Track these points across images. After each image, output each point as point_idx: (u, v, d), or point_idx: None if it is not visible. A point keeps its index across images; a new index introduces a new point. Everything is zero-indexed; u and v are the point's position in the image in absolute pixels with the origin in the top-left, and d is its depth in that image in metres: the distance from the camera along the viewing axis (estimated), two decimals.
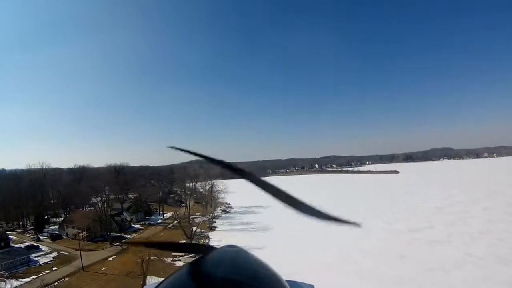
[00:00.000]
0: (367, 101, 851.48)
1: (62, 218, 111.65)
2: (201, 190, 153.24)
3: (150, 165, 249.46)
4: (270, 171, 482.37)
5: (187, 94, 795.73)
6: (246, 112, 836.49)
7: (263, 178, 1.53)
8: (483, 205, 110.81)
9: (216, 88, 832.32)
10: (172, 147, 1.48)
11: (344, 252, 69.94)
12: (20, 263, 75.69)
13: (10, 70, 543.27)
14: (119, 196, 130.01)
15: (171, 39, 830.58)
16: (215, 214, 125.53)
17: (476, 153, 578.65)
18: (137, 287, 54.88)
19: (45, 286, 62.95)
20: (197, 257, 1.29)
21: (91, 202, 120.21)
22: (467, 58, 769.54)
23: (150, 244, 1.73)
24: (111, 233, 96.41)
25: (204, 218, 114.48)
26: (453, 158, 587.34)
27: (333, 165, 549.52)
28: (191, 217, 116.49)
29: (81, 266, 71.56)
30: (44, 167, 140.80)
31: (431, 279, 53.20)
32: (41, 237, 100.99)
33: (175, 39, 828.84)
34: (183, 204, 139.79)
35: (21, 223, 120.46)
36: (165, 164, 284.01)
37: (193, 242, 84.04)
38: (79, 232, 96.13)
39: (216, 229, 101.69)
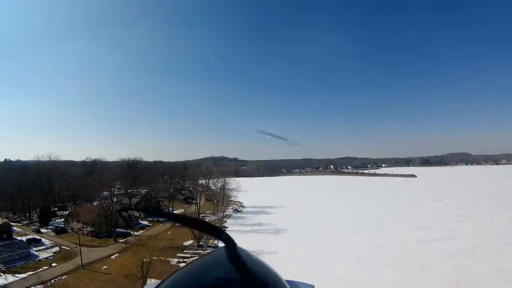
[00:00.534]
0: (385, 103, 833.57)
1: (68, 212, 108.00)
2: (212, 187, 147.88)
3: (164, 161, 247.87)
4: (285, 171, 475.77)
5: (201, 90, 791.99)
6: (259, 110, 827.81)
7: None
8: (508, 214, 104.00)
9: (230, 85, 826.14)
10: (261, 131, 1.57)
11: (362, 262, 63.53)
12: (19, 257, 71.99)
13: (28, 64, 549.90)
14: (128, 191, 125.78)
15: (185, 35, 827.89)
16: (226, 213, 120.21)
17: (494, 160, 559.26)
18: None
19: (41, 284, 58.74)
20: (197, 257, 1.54)
21: (101, 196, 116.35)
22: (486, 65, 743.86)
23: (179, 219, 1.64)
24: (118, 229, 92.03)
25: (215, 217, 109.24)
26: (471, 164, 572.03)
27: (349, 167, 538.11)
28: (201, 215, 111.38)
29: (81, 263, 66.97)
30: (52, 159, 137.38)
31: None
32: (44, 230, 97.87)
33: (189, 34, 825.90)
34: (194, 201, 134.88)
35: (27, 214, 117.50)
36: (179, 160, 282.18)
37: (201, 242, 79.30)
38: (84, 227, 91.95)
39: (226, 229, 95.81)
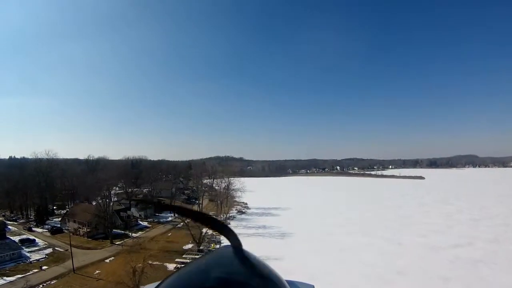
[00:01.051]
0: (391, 104, 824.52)
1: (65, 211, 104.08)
2: (216, 188, 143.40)
3: (168, 160, 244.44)
4: (291, 171, 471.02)
5: (207, 90, 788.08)
6: (265, 110, 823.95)
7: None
8: None
9: (235, 85, 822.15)
10: (134, 200, 1.53)
11: (376, 271, 58.12)
12: (10, 259, 68.22)
13: (34, 62, 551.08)
14: (128, 190, 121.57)
15: (191, 34, 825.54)
16: (230, 214, 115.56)
17: (502, 162, 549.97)
18: None
19: None
20: (198, 256, 1.57)
21: (103, 195, 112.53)
22: (493, 66, 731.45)
23: (184, 212, 1.66)
24: (115, 230, 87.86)
25: (218, 218, 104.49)
26: (478, 166, 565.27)
27: (355, 168, 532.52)
28: None
29: (75, 266, 62.67)
30: (50, 156, 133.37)
31: None
32: (40, 229, 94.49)
33: (194, 33, 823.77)
34: (198, 202, 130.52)
35: (25, 213, 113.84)
36: (184, 159, 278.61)
37: (201, 247, 74.52)
38: (80, 227, 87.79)
39: None
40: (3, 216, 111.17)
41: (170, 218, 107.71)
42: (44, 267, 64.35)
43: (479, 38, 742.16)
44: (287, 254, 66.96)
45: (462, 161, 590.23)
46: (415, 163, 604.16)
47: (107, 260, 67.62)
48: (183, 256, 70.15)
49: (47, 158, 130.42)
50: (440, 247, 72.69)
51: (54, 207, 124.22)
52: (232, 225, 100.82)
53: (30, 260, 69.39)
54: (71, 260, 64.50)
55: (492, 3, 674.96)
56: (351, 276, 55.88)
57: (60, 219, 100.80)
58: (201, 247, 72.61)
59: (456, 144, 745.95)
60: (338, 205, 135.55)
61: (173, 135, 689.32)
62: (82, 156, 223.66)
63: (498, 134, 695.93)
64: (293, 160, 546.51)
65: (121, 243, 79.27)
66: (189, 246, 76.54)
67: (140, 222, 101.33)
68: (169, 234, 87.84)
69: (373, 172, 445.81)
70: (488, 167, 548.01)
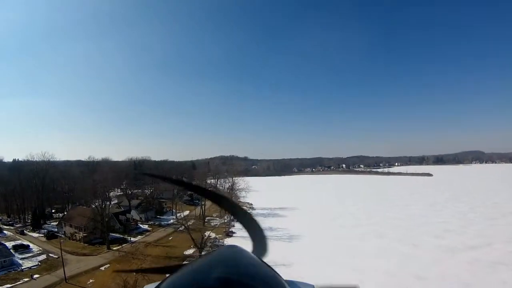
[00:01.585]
0: (396, 101, 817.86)
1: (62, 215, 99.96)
2: (220, 188, 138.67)
3: (172, 160, 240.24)
4: (296, 170, 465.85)
5: (212, 90, 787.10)
6: (269, 109, 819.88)
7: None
8: None
9: (240, 84, 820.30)
10: (144, 174, 1.53)
11: (393, 278, 53.03)
12: (1, 266, 64.29)
13: (38, 63, 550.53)
14: (128, 192, 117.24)
15: (195, 35, 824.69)
16: None
17: (509, 158, 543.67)
18: None
19: None
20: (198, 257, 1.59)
21: (100, 197, 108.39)
22: (497, 63, 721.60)
23: (140, 271, 1.63)
24: (114, 234, 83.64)
25: (222, 221, 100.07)
26: (485, 162, 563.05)
27: (361, 166, 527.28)
28: (207, 218, 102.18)
29: (68, 274, 58.27)
30: (47, 158, 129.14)
31: None
32: (35, 234, 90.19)
33: (198, 34, 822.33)
34: (201, 203, 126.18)
35: (22, 216, 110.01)
36: (188, 159, 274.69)
37: (203, 252, 69.74)
38: (76, 232, 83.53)
39: (233, 235, 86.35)
40: (0, 220, 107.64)
41: (171, 221, 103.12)
42: (35, 276, 60.01)
43: (486, 35, 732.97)
44: (297, 260, 61.94)
45: (469, 157, 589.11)
46: (421, 160, 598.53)
47: (102, 268, 62.98)
48: (184, 262, 65.45)
49: (43, 160, 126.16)
50: (457, 249, 67.80)
51: (53, 210, 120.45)
52: (237, 227, 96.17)
53: (22, 268, 65.21)
54: (66, 267, 60.41)
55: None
56: (367, 281, 50.99)
57: (57, 223, 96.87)
58: (203, 252, 68.02)
59: (461, 141, 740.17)
60: (347, 205, 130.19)
61: (177, 135, 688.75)
62: (85, 158, 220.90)
63: (504, 130, 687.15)
64: (298, 158, 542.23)
65: (118, 248, 74.78)
66: (190, 251, 71.77)
67: (140, 225, 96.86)
68: (170, 238, 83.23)
69: (379, 170, 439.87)
70: (495, 163, 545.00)
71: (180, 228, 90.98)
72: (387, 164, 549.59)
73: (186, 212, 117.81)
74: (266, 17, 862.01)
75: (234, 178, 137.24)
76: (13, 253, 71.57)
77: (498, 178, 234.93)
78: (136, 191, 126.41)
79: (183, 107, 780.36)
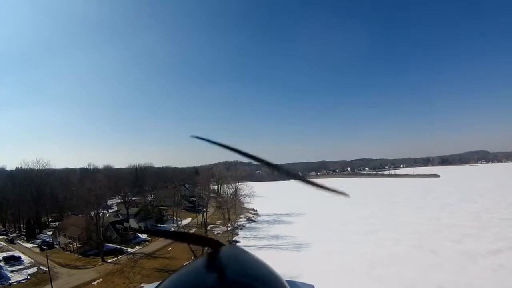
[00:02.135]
0: (399, 102, 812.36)
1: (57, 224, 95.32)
2: (223, 194, 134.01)
3: (175, 166, 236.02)
4: (301, 174, 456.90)
5: (214, 94, 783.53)
6: (271, 113, 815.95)
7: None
8: None
9: (241, 87, 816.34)
10: (196, 137, 1.53)
11: None
12: None
13: (40, 70, 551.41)
14: (127, 199, 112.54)
15: (192, 38, 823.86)
16: (239, 222, 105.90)
17: None
18: None
19: None
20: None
21: (99, 205, 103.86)
22: (498, 60, 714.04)
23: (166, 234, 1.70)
24: (110, 245, 79.00)
25: (225, 229, 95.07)
26: (491, 162, 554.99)
27: (366, 168, 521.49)
28: (209, 226, 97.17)
29: None
30: (42, 166, 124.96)
31: None
32: (29, 245, 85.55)
33: (196, 37, 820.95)
34: (203, 209, 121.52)
35: (17, 225, 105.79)
36: (190, 165, 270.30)
37: None
38: (70, 243, 78.76)
39: (237, 243, 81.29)
40: None
41: (172, 229, 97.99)
42: None
43: (486, 31, 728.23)
44: (306, 270, 56.54)
45: (474, 157, 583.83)
46: (427, 161, 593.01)
47: (95, 283, 58.07)
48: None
49: (38, 168, 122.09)
50: (478, 254, 62.46)
51: (50, 219, 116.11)
52: (241, 235, 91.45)
53: (10, 281, 60.74)
54: (56, 282, 56.43)
55: None
56: None
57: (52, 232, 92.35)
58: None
59: (466, 141, 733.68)
60: (357, 209, 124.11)
61: (180, 142, 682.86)
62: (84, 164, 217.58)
63: (508, 129, 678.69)
64: (302, 162, 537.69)
65: (114, 260, 69.86)
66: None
67: (139, 235, 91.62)
68: (170, 249, 78.12)
69: (385, 172, 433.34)
70: (501, 162, 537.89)
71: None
72: (392, 166, 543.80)
73: (188, 220, 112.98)
74: (263, 17, 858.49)
75: (237, 184, 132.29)
76: (3, 265, 67.42)
77: (506, 177, 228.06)
78: (136, 198, 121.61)
79: (186, 112, 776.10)
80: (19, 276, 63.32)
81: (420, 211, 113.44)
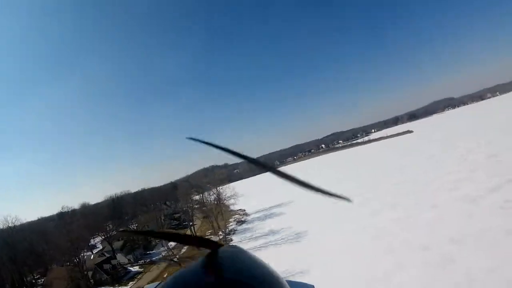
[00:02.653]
0: (357, 66, 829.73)
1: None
2: (206, 202, 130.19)
3: (150, 187, 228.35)
4: (278, 162, 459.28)
5: (172, 106, 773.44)
6: (238, 110, 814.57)
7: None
8: None
9: (200, 93, 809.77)
10: (191, 139, 1.49)
11: (426, 251, 44.78)
12: None
13: None
14: (107, 235, 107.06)
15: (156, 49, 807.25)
16: (229, 227, 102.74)
17: (479, 96, 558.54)
18: None
19: None
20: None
21: (89, 245, 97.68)
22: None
23: (152, 233, 1.54)
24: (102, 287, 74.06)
25: (217, 238, 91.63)
26: (457, 107, 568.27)
27: (340, 141, 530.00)
28: None
29: None
30: (11, 223, 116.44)
31: None
32: None
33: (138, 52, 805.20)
34: (190, 223, 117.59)
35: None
36: (166, 182, 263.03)
37: None
38: None
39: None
40: None
41: (164, 253, 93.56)
42: None
43: None
44: (313, 261, 52.82)
45: (441, 106, 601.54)
46: (396, 120, 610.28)
47: None
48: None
49: (7, 226, 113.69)
50: (478, 196, 56.59)
51: (36, 276, 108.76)
52: (235, 240, 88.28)
53: None
54: None
55: None
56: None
57: None
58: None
59: (429, 92, 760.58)
60: (342, 183, 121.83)
61: (153, 160, 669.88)
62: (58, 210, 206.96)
63: (468, 71, 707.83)
64: (277, 151, 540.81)
65: None
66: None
67: (131, 269, 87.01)
68: (165, 275, 74.08)
69: (359, 140, 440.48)
70: (468, 104, 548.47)
71: (175, 259, 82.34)
72: (364, 134, 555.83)
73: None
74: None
75: (218, 188, 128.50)
76: None
77: (476, 118, 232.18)
78: (117, 230, 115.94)
79: (156, 128, 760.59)
80: None
81: (406, 169, 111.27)
